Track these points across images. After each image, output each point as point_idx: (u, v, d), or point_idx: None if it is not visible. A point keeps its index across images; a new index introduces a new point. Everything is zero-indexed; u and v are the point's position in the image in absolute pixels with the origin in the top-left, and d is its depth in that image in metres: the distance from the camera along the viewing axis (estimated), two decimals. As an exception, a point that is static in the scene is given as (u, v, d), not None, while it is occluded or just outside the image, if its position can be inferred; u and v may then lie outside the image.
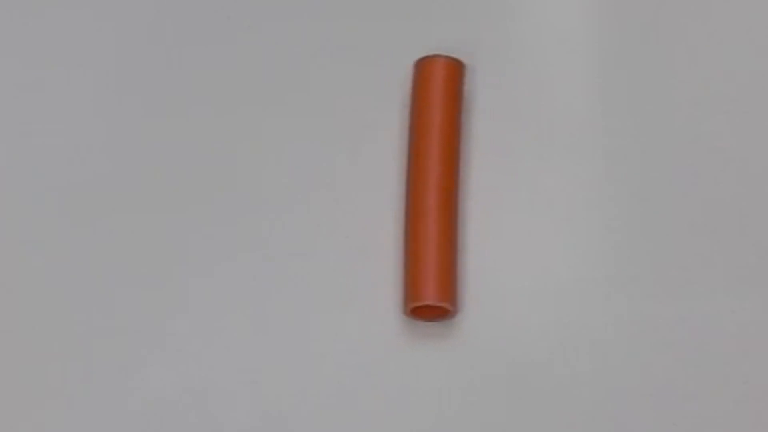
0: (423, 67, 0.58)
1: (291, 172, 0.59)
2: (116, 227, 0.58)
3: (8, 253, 0.58)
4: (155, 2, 0.62)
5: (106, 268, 0.57)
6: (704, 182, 0.58)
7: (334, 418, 0.54)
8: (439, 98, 0.57)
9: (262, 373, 0.55)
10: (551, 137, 0.59)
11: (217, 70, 0.61)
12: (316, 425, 0.54)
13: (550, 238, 0.57)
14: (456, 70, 0.58)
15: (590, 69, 0.60)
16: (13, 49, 0.62)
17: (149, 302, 0.56)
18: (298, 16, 0.62)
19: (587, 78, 0.60)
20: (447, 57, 0.58)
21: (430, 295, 0.54)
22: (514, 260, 0.56)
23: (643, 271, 0.56)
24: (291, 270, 0.57)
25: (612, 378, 0.54)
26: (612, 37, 0.61)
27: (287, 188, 0.58)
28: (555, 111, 0.59)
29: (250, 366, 0.55)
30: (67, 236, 0.58)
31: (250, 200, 0.58)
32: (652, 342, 0.55)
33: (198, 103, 0.60)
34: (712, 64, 0.60)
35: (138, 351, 0.55)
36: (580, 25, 0.61)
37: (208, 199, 0.58)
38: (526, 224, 0.57)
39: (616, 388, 0.54)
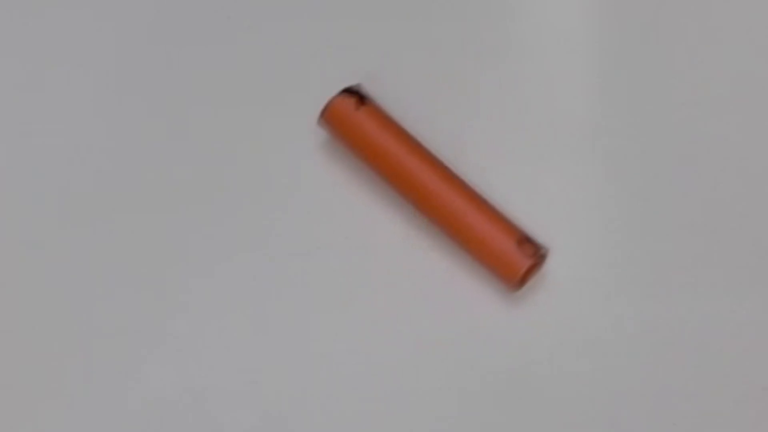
0: (331, 118, 0.57)
1: (291, 172, 0.59)
2: (116, 227, 0.58)
3: (8, 253, 0.58)
4: (155, 2, 0.62)
5: (106, 268, 0.57)
6: (704, 182, 0.58)
7: (334, 418, 0.54)
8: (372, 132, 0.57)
9: (262, 373, 0.55)
10: (551, 137, 0.59)
11: (217, 70, 0.61)
12: (316, 425, 0.54)
13: (550, 238, 0.57)
14: (348, 103, 0.57)
15: (590, 69, 0.61)
16: (13, 49, 0.62)
17: (149, 302, 0.56)
18: (298, 16, 0.62)
19: (587, 78, 0.60)
20: (335, 99, 0.57)
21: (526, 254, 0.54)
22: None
23: (643, 271, 0.56)
24: (291, 270, 0.57)
25: (612, 378, 0.54)
26: (612, 37, 0.61)
27: (287, 188, 0.58)
28: (555, 111, 0.59)
29: (250, 366, 0.55)
30: (67, 236, 0.58)
31: (250, 200, 0.58)
32: (652, 342, 0.55)
33: (198, 103, 0.60)
34: (712, 64, 0.60)
35: (138, 351, 0.55)
36: (580, 25, 0.61)
37: (208, 199, 0.58)
38: (526, 224, 0.57)
39: (616, 388, 0.54)
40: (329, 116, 0.56)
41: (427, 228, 0.57)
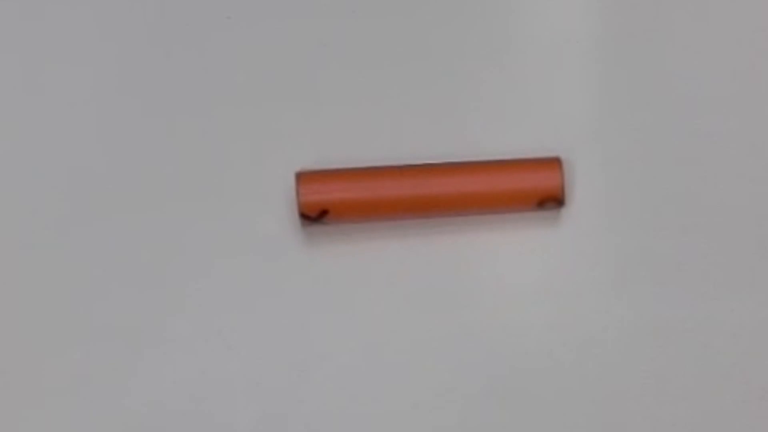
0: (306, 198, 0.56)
1: (292, 171, 0.58)
2: (116, 227, 0.58)
3: (8, 253, 0.58)
4: (155, 2, 0.62)
5: (105, 267, 0.57)
6: (704, 182, 0.58)
7: (334, 418, 0.54)
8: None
9: (262, 373, 0.55)
10: (551, 137, 0.59)
11: (217, 70, 0.61)
12: (316, 425, 0.54)
13: (551, 238, 0.57)
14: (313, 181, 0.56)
15: (590, 69, 0.60)
16: (13, 48, 0.62)
17: (149, 302, 0.56)
18: (298, 16, 0.62)
19: (587, 78, 0.60)
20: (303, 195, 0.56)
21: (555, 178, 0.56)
22: (514, 260, 0.56)
23: (643, 271, 0.56)
24: (291, 270, 0.57)
25: (612, 378, 0.54)
26: (612, 37, 0.61)
27: (287, 188, 0.58)
28: (555, 111, 0.59)
29: (250, 366, 0.55)
30: (66, 236, 0.58)
31: (250, 200, 0.58)
32: (652, 342, 0.55)
33: (197, 103, 0.60)
34: (713, 64, 0.60)
35: (138, 351, 0.55)
36: (580, 25, 0.61)
37: (208, 198, 0.58)
38: (526, 224, 0.57)
39: (616, 388, 0.54)
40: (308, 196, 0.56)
41: (425, 225, 0.57)
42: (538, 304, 0.56)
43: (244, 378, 0.55)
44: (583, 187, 0.58)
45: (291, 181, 0.58)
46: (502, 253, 0.57)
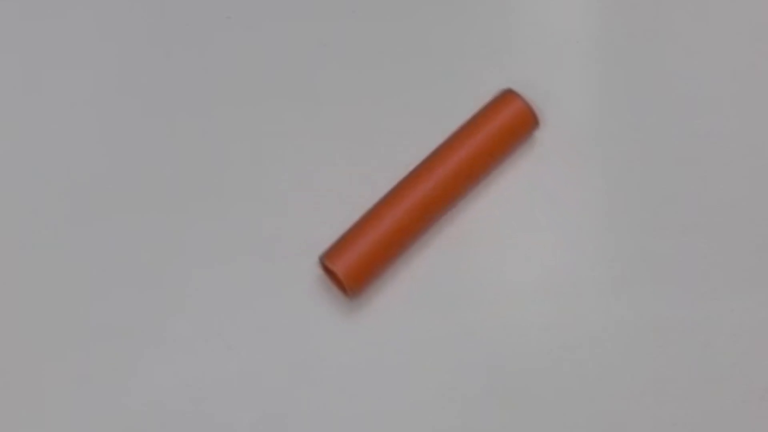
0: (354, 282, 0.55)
1: (292, 172, 0.59)
2: (116, 227, 0.58)
3: (8, 253, 0.58)
4: (155, 2, 0.62)
5: (105, 267, 0.57)
6: (704, 182, 0.58)
7: (333, 418, 0.54)
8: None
9: (262, 373, 0.55)
10: (551, 138, 0.59)
11: (217, 70, 0.61)
12: (315, 425, 0.54)
13: (551, 238, 0.57)
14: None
15: (590, 69, 0.61)
16: (13, 49, 0.62)
17: (149, 302, 0.56)
18: (298, 16, 0.62)
19: (587, 78, 0.60)
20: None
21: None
22: (514, 261, 0.56)
23: (643, 271, 0.56)
24: (291, 270, 0.57)
25: (612, 378, 0.54)
26: (612, 37, 0.61)
27: (288, 188, 0.58)
28: (555, 111, 0.59)
29: (250, 366, 0.55)
30: (66, 236, 0.58)
31: (251, 200, 0.58)
32: (652, 342, 0.55)
33: (197, 103, 0.60)
34: (713, 64, 0.60)
35: (138, 351, 0.55)
36: (580, 25, 0.61)
37: (209, 199, 0.58)
38: (526, 224, 0.57)
39: (616, 388, 0.54)
40: (353, 284, 0.55)
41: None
42: (538, 304, 0.56)
43: (244, 378, 0.55)
44: (582, 187, 0.58)
45: (290, 181, 0.58)
46: (501, 253, 0.57)
